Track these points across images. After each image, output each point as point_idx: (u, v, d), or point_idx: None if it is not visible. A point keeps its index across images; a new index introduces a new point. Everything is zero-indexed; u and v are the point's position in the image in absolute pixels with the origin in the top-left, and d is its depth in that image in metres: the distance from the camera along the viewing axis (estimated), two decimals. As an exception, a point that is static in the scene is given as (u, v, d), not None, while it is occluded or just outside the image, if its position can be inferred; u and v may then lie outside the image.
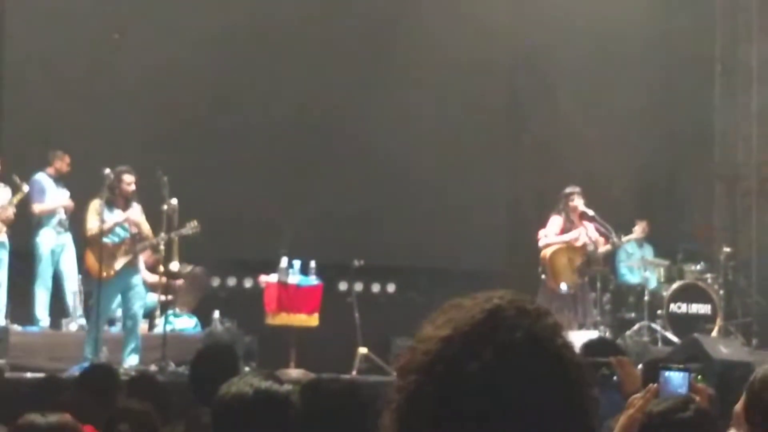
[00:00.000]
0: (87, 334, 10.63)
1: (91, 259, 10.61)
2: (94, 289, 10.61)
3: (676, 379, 3.68)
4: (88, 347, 10.45)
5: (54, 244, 11.42)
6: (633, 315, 12.51)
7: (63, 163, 11.44)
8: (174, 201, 10.86)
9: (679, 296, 12.47)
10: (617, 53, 13.79)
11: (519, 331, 1.49)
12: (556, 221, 11.75)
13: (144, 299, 11.09)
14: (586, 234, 11.72)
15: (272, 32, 13.05)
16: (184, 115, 12.74)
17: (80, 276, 11.48)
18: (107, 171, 10.68)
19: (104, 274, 10.44)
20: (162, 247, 11.05)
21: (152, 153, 11.80)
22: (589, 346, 5.76)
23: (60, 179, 11.46)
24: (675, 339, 11.93)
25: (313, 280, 11.62)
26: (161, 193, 10.83)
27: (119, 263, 10.63)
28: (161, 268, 11.23)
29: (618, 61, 13.81)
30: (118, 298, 10.82)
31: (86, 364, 9.10)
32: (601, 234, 11.80)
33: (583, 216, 11.70)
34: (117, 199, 10.67)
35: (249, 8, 12.92)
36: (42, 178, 11.50)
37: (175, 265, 11.29)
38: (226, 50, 12.92)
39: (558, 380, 1.50)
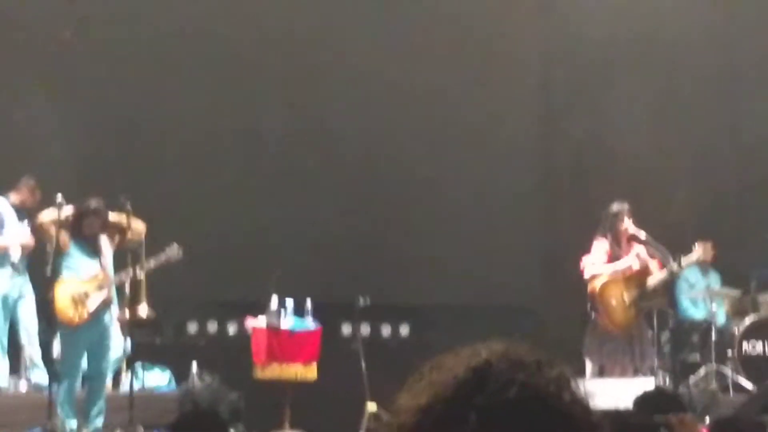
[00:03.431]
0: (61, 393, 10.54)
1: (60, 301, 10.49)
2: (66, 337, 10.62)
3: None
4: (63, 410, 10.46)
5: (8, 289, 11.36)
6: (698, 357, 12.54)
7: (32, 195, 11.41)
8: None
9: (753, 333, 12.44)
10: (673, 44, 13.99)
11: (512, 387, 1.46)
12: (601, 246, 11.70)
13: (115, 348, 11.03)
14: (638, 259, 11.68)
15: (261, 40, 13.41)
16: (153, 130, 13.01)
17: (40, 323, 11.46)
18: (60, 198, 10.61)
19: (76, 318, 10.44)
20: (127, 286, 10.99)
21: (114, 174, 12.06)
22: (643, 401, 5.81)
23: (22, 211, 11.40)
24: (749, 386, 11.95)
25: (309, 323, 11.60)
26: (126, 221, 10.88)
27: (93, 302, 10.54)
28: (127, 313, 11.12)
29: (675, 53, 13.99)
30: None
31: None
32: (656, 259, 11.75)
33: (633, 239, 11.66)
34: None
35: (232, 18, 13.35)
36: (1, 206, 11.43)
37: (143, 309, 11.23)
38: (208, 61, 13.27)
39: None
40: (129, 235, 10.80)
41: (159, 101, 13.04)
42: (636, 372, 11.48)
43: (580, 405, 1.50)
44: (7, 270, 11.36)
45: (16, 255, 11.37)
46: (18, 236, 11.34)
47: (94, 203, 10.59)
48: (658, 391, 8.68)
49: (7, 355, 11.46)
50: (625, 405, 6.77)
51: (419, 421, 1.48)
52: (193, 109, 13.16)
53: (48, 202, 10.90)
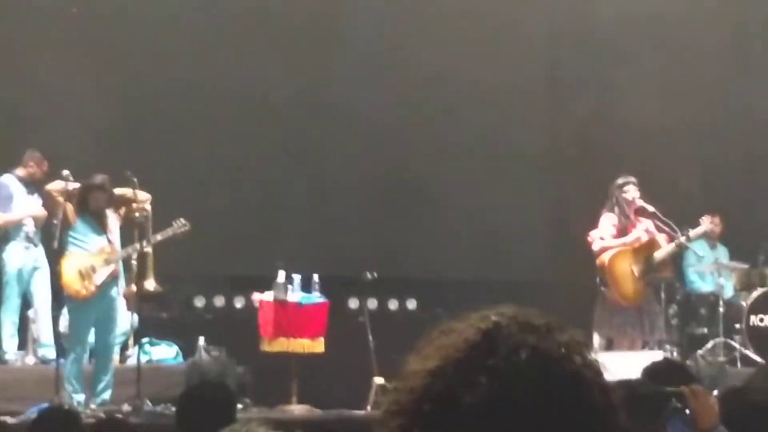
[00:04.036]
0: (68, 367, 10.50)
1: (67, 275, 10.49)
2: (72, 311, 10.63)
3: None
4: (70, 384, 10.42)
5: (22, 262, 11.33)
6: (705, 330, 12.46)
7: (39, 168, 11.37)
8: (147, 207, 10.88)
9: (760, 306, 12.41)
10: (682, 18, 13.91)
11: (523, 350, 1.46)
12: (609, 219, 11.64)
13: (122, 323, 11.00)
14: (646, 233, 11.63)
15: (266, 17, 13.33)
16: (159, 105, 12.91)
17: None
18: (66, 172, 10.65)
19: (83, 291, 10.42)
20: (134, 260, 11.02)
21: (121, 150, 12.05)
22: (653, 372, 5.64)
23: (31, 185, 11.39)
24: (757, 358, 11.91)
25: (316, 297, 11.56)
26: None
27: (100, 276, 10.49)
28: (134, 287, 11.11)
29: (684, 27, 13.91)
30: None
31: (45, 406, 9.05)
32: (663, 233, 11.71)
33: (640, 212, 11.61)
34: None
35: None
36: (9, 181, 11.41)
37: (150, 284, 11.18)
38: (215, 36, 13.20)
39: (576, 408, 1.45)
40: (135, 206, 10.75)
41: (166, 75, 12.94)
42: (645, 345, 11.47)
43: (591, 368, 1.49)
44: (21, 243, 11.34)
45: (29, 228, 11.35)
46: (30, 209, 11.31)
47: (99, 179, 10.60)
48: (667, 362, 8.47)
49: (17, 329, 11.43)
50: (632, 377, 6.81)
51: (429, 384, 1.47)
52: (200, 83, 13.06)
53: (56, 176, 10.86)
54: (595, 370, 1.50)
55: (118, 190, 10.76)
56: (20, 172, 11.42)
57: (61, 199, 10.55)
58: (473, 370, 1.46)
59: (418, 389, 1.49)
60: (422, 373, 1.49)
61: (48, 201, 10.89)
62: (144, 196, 10.83)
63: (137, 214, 10.80)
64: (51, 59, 12.59)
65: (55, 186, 10.69)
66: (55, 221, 10.61)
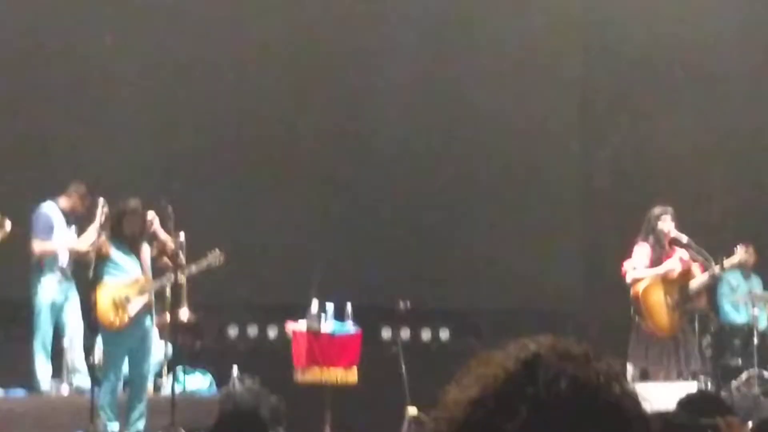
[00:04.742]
0: (103, 396, 10.53)
1: (101, 305, 10.48)
2: (107, 340, 10.64)
3: None
4: (105, 413, 10.45)
5: (55, 294, 11.35)
6: (740, 361, 12.37)
7: (81, 201, 11.34)
8: (181, 235, 10.95)
9: (796, 338, 12.36)
10: (713, 47, 13.90)
11: (563, 380, 1.46)
12: (643, 250, 11.56)
13: (156, 352, 11.02)
14: (681, 263, 11.58)
15: (297, 42, 13.40)
16: (194, 133, 13.01)
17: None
18: (102, 201, 10.68)
19: (117, 322, 10.43)
20: (168, 290, 11.00)
21: (156, 178, 12.16)
22: (688, 403, 5.56)
23: (71, 216, 11.37)
24: None
25: (350, 327, 11.52)
26: (166, 226, 10.86)
27: (134, 307, 10.51)
28: (168, 317, 11.10)
29: (715, 55, 13.92)
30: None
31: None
32: (697, 263, 11.64)
33: (675, 242, 11.54)
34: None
35: (270, 22, 13.32)
36: (51, 210, 11.40)
37: (184, 314, 11.20)
38: (247, 64, 13.27)
39: None
40: (169, 251, 10.76)
41: (200, 107, 13.02)
42: (680, 375, 11.38)
43: (630, 397, 1.50)
44: (56, 275, 11.35)
45: (63, 260, 11.36)
46: (66, 242, 11.31)
47: (132, 203, 10.56)
48: (702, 394, 8.57)
49: (50, 359, 11.46)
50: (667, 409, 6.71)
51: (470, 414, 1.47)
52: (233, 114, 13.14)
53: (94, 207, 10.86)
54: (634, 399, 1.51)
55: (162, 234, 10.75)
56: (63, 202, 11.41)
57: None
58: (513, 400, 1.46)
59: (459, 419, 1.48)
60: (462, 403, 1.49)
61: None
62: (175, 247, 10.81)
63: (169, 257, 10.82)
64: (87, 90, 12.68)
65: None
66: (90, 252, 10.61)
